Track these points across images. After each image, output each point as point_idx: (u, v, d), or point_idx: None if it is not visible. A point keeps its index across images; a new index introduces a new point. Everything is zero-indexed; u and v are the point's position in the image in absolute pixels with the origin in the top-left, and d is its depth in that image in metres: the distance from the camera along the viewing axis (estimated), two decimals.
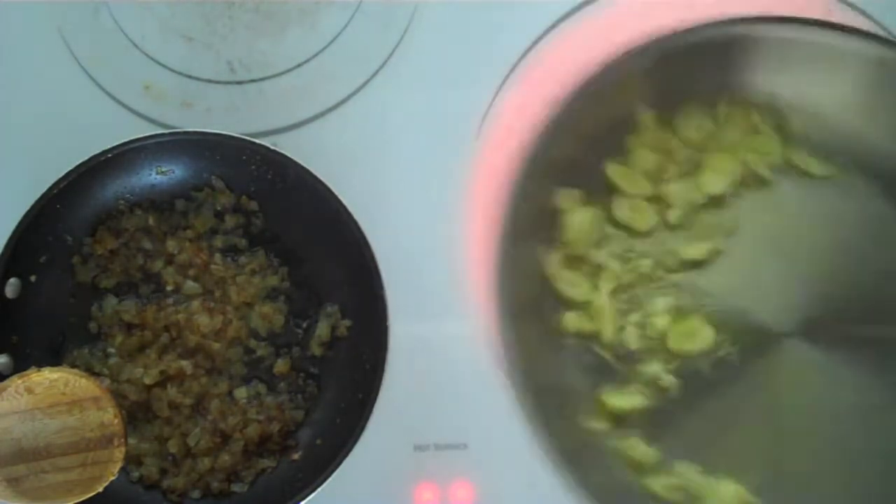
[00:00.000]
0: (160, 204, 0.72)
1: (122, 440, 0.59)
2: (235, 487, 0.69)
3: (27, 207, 0.66)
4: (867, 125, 0.72)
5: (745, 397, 0.70)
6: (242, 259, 0.72)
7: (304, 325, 0.72)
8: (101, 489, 0.58)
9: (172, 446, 0.69)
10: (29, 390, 0.57)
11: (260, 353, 0.71)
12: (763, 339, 0.70)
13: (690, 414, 0.69)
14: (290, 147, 0.70)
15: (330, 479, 0.65)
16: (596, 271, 0.71)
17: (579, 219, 0.71)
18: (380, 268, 0.68)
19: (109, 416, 0.58)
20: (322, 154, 0.71)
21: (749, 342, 0.70)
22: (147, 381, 0.69)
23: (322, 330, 0.71)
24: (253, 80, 0.76)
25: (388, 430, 0.69)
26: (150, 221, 0.71)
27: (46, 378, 0.57)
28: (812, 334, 0.70)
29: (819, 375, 0.70)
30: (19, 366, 0.67)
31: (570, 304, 0.70)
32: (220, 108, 0.75)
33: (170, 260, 0.71)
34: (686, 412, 0.69)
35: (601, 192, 0.71)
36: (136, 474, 0.69)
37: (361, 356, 0.69)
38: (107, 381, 0.69)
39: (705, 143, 0.72)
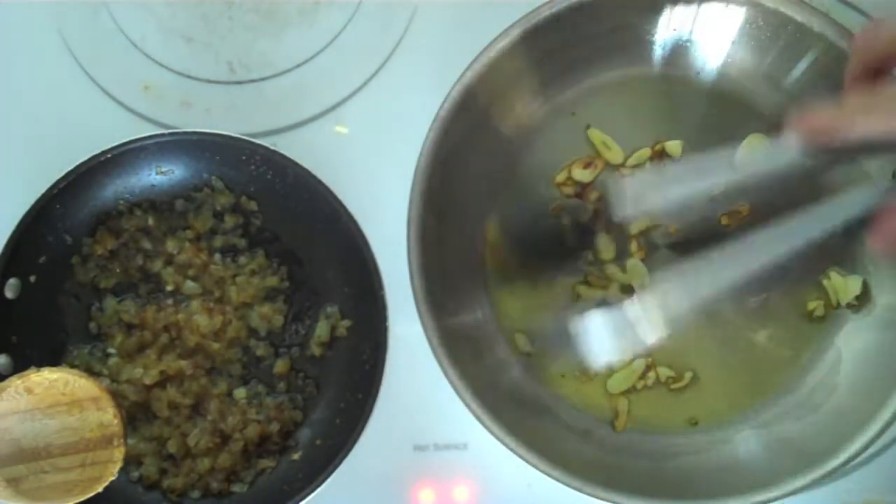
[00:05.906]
0: (160, 204, 0.72)
1: (122, 440, 0.59)
2: (235, 487, 0.69)
3: (27, 207, 0.66)
4: None
5: None
6: (242, 259, 0.72)
7: (304, 325, 0.72)
8: (100, 489, 0.59)
9: (172, 446, 0.69)
10: (29, 390, 0.57)
11: (259, 353, 0.71)
12: None
13: None
14: (290, 147, 0.70)
15: (330, 479, 0.65)
16: None
17: None
18: (379, 268, 0.68)
19: (109, 416, 0.58)
20: (322, 154, 0.71)
21: None
22: (147, 381, 0.69)
23: (321, 330, 0.71)
24: (253, 80, 0.76)
25: (388, 430, 0.70)
26: (150, 221, 0.71)
27: (46, 378, 0.57)
28: None
29: None
30: (19, 366, 0.67)
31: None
32: (219, 108, 0.75)
33: (169, 260, 0.71)
34: None
35: None
36: (135, 474, 0.69)
37: (361, 356, 0.69)
38: (107, 381, 0.69)
39: None
